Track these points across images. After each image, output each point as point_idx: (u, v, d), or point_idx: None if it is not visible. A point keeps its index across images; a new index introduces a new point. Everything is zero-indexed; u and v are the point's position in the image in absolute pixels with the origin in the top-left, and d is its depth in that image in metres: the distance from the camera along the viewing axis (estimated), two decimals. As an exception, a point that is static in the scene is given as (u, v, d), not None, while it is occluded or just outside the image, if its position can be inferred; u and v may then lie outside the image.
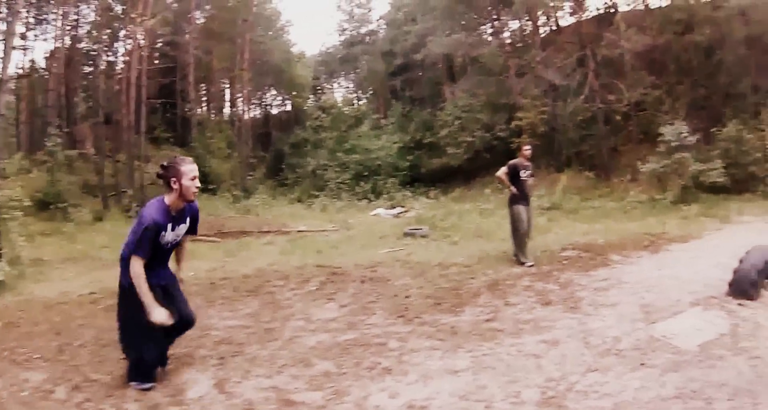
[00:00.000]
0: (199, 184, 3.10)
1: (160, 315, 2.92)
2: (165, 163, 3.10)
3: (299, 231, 12.13)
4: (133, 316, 3.05)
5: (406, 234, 9.65)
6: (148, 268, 2.97)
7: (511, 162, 7.01)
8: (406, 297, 5.46)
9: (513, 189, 6.80)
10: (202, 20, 25.34)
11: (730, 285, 4.61)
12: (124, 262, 3.05)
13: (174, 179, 3.03)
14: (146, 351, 3.16)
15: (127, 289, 3.04)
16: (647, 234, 8.56)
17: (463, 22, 21.77)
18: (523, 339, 3.93)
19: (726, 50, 15.57)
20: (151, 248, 3.00)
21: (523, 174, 6.88)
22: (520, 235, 6.80)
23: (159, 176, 3.13)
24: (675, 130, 13.17)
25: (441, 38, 20.72)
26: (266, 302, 5.44)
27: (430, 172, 21.89)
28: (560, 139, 17.89)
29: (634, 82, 16.44)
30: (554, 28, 22.51)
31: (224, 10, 24.17)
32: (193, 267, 6.82)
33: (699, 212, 10.99)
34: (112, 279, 3.70)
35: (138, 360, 3.20)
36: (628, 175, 15.24)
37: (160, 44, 23.69)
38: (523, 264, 6.59)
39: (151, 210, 3.00)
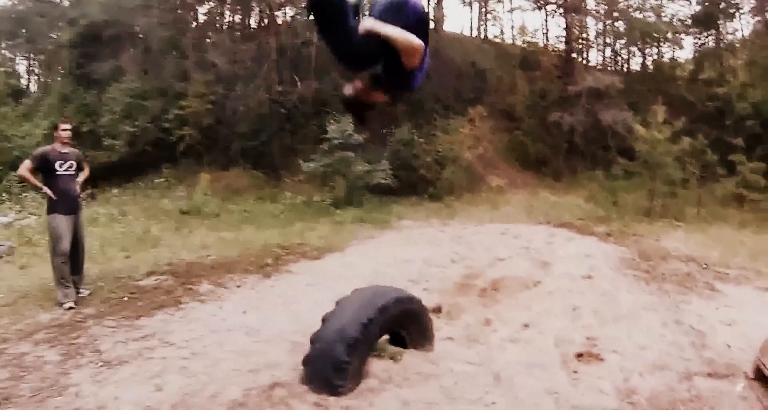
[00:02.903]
0: None
1: None
2: None
3: None
4: None
5: (-19, 251, 6.30)
6: None
7: (39, 150, 4.81)
8: None
9: (47, 190, 4.61)
10: None
11: (305, 365, 2.73)
12: None
13: None
14: None
15: None
16: (280, 247, 7.10)
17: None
18: None
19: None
20: None
21: (61, 167, 4.68)
22: (57, 261, 4.52)
23: None
24: (339, 128, 12.23)
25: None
26: None
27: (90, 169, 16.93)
28: (227, 134, 15.64)
29: (318, 79, 15.10)
30: (264, 24, 20.02)
31: None
32: None
33: (356, 216, 10.23)
34: None
35: None
36: (300, 176, 13.46)
37: None
38: (61, 304, 4.43)
39: None
